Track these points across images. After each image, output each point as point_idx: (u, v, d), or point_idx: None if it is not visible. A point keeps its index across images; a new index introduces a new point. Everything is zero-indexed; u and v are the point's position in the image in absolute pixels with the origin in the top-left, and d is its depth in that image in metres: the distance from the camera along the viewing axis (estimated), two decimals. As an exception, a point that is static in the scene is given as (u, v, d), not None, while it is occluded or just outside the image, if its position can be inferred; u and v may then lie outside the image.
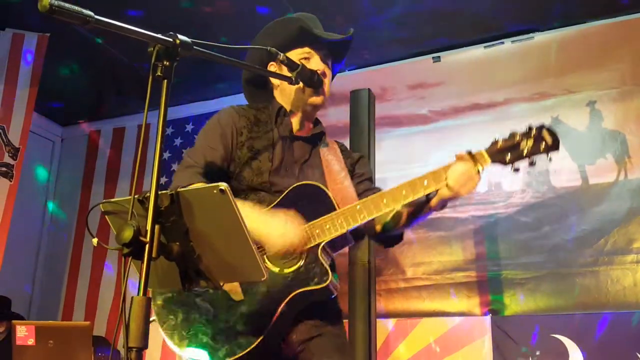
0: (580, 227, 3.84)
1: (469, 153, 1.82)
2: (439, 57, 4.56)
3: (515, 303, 3.91)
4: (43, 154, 5.94)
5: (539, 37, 4.28)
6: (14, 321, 3.36)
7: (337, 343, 1.90)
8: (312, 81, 1.95)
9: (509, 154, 1.81)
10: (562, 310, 3.75)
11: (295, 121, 2.05)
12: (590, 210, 3.84)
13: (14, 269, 5.05)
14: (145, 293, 1.24)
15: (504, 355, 3.73)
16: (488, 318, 3.86)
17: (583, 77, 4.08)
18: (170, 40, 1.39)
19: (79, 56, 4.88)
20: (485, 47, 4.43)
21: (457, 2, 4.09)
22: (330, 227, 1.80)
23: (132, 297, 1.22)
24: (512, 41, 4.35)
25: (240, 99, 6.26)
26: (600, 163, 3.91)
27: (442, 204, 1.86)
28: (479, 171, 1.80)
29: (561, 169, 4.00)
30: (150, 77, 1.35)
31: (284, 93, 2.04)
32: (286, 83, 1.94)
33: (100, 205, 1.44)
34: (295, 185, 1.89)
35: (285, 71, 1.93)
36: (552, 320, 3.72)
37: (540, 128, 1.83)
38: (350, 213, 1.81)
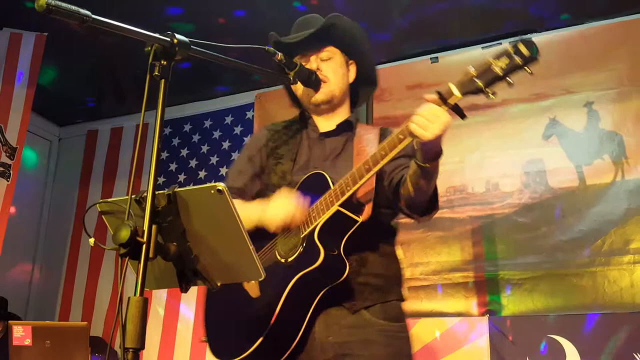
0: (577, 227, 3.85)
1: (438, 92, 1.68)
2: (436, 57, 4.56)
3: (513, 303, 3.92)
4: (41, 154, 5.93)
5: (537, 38, 4.24)
6: (10, 321, 3.35)
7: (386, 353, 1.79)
8: (310, 80, 1.96)
9: (481, 79, 1.65)
10: (559, 311, 3.75)
11: (318, 120, 2.07)
12: (588, 211, 3.85)
13: (11, 269, 5.04)
14: (142, 293, 1.24)
15: (501, 356, 3.74)
16: (485, 318, 3.86)
17: (581, 78, 4.08)
18: (168, 39, 1.39)
19: (76, 56, 4.87)
20: (482, 47, 4.42)
21: (454, 3, 4.10)
22: (323, 206, 1.78)
23: (128, 298, 1.22)
24: (510, 42, 4.33)
25: (238, 99, 6.27)
26: (598, 164, 3.92)
27: (426, 156, 1.69)
28: (450, 108, 1.67)
29: (558, 170, 4.01)
30: (148, 77, 1.35)
31: (298, 96, 2.08)
32: (298, 86, 1.99)
33: (97, 205, 1.44)
34: (303, 177, 1.89)
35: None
36: (549, 320, 3.73)
37: (514, 43, 1.64)
38: (339, 188, 1.77)
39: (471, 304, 4.01)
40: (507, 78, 1.64)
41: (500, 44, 4.37)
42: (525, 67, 1.62)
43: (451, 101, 1.66)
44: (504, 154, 4.19)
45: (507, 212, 4.08)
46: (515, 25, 4.30)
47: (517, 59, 1.61)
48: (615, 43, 4.03)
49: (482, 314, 3.93)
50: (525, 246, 3.96)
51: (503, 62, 1.63)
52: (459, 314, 4.01)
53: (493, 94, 1.66)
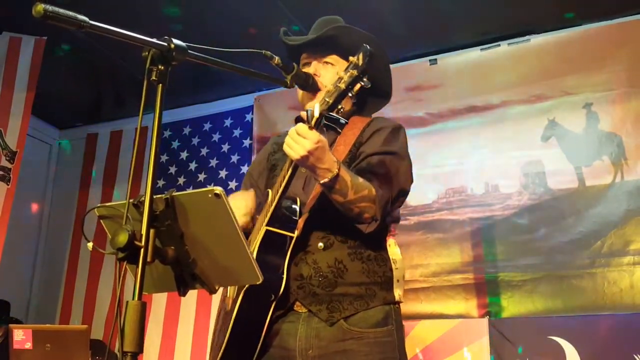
0: (577, 229, 3.85)
1: (307, 110, 1.68)
2: (435, 59, 4.57)
3: (513, 305, 3.92)
4: (40, 157, 5.94)
5: (536, 40, 4.29)
6: (11, 325, 3.35)
7: None
8: (307, 84, 1.96)
9: (332, 96, 1.64)
10: (559, 312, 3.75)
11: None
12: (587, 212, 3.85)
13: (12, 273, 5.04)
14: (140, 297, 1.24)
15: (501, 358, 3.74)
16: (485, 320, 3.86)
17: (580, 79, 4.09)
18: (165, 44, 1.39)
19: (76, 59, 4.88)
20: (481, 49, 4.44)
21: (453, 5, 4.10)
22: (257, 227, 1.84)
23: (127, 302, 1.23)
24: (509, 44, 4.36)
25: (237, 102, 6.26)
26: (597, 165, 3.92)
27: (315, 176, 1.71)
28: (311, 127, 1.64)
29: (558, 171, 4.01)
30: (145, 82, 1.35)
31: (298, 99, 2.09)
32: (298, 89, 2.00)
33: (95, 209, 1.44)
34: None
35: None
36: (549, 322, 3.73)
37: (357, 53, 1.65)
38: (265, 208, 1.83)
39: (471, 305, 4.01)
40: (351, 92, 1.65)
41: (499, 45, 4.38)
42: (362, 78, 1.63)
43: (313, 121, 1.64)
44: (503, 155, 4.19)
45: (506, 214, 4.08)
46: (514, 27, 4.31)
47: (353, 71, 1.63)
48: (615, 44, 4.04)
49: (482, 316, 3.93)
50: (525, 248, 3.96)
51: (346, 76, 1.64)
52: (459, 316, 4.00)
53: (341, 109, 1.67)
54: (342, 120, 1.68)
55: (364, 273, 1.85)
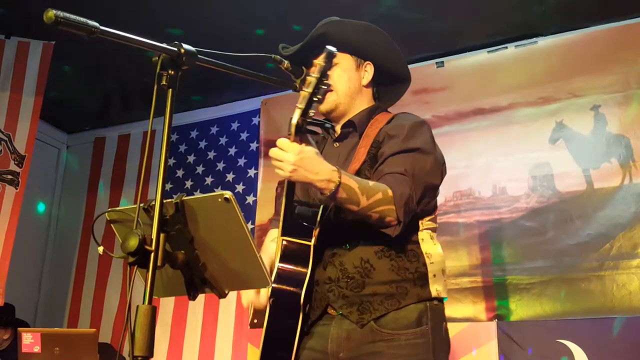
0: (585, 231, 3.83)
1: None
2: (442, 62, 4.57)
3: (521, 308, 3.90)
4: (48, 161, 5.97)
5: (543, 42, 4.29)
6: (19, 328, 3.37)
7: None
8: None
9: (301, 102, 1.61)
10: (567, 315, 3.73)
11: (335, 126, 2.07)
12: (595, 215, 3.83)
13: (20, 276, 5.06)
14: (150, 302, 1.24)
15: (510, 361, 3.73)
16: (494, 323, 3.85)
17: (587, 82, 4.07)
18: (175, 49, 1.40)
19: (84, 64, 4.90)
20: (488, 52, 4.43)
21: (459, 7, 4.10)
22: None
23: (137, 306, 1.23)
24: (516, 46, 4.35)
25: (244, 106, 6.25)
26: (605, 167, 3.90)
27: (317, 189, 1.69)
28: (294, 139, 1.62)
29: (566, 174, 4.00)
30: (155, 87, 1.36)
31: None
32: None
33: (106, 214, 1.45)
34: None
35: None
36: (558, 325, 3.71)
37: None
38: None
39: (479, 309, 4.00)
40: (317, 95, 1.60)
41: (506, 47, 4.37)
42: (322, 79, 1.59)
43: (290, 131, 1.61)
44: (510, 158, 4.18)
45: (514, 217, 4.07)
46: (521, 29, 4.30)
47: (315, 74, 1.59)
48: (622, 46, 4.02)
49: (491, 319, 3.92)
50: (533, 251, 3.95)
51: (312, 79, 1.60)
52: (467, 319, 3.99)
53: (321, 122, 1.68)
54: (328, 124, 1.67)
55: (394, 270, 1.80)
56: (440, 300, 1.86)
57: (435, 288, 1.84)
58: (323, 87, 1.60)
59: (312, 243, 1.78)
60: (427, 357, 1.75)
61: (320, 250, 1.82)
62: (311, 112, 1.62)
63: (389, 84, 2.15)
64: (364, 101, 2.08)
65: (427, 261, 1.86)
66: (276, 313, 1.76)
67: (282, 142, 1.61)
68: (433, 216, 1.99)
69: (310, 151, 1.63)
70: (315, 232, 1.79)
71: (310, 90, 1.59)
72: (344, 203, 1.68)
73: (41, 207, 5.91)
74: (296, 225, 1.80)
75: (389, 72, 2.11)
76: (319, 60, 1.59)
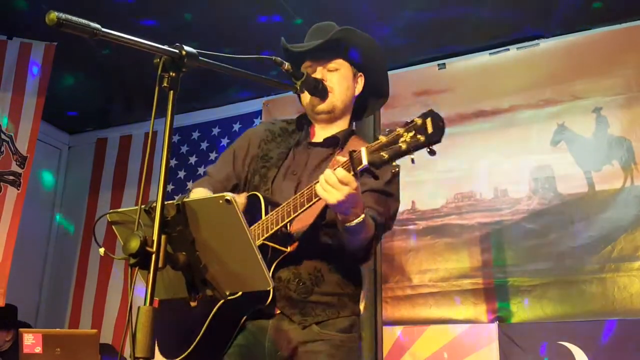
0: (586, 233, 3.83)
1: (350, 155, 1.61)
2: (444, 64, 4.57)
3: (522, 310, 3.90)
4: (50, 162, 5.97)
5: (545, 44, 4.29)
6: (21, 329, 3.37)
7: None
8: (317, 90, 1.97)
9: (388, 151, 1.55)
10: (569, 318, 3.73)
11: (315, 129, 2.10)
12: (597, 217, 3.83)
13: (22, 277, 5.07)
14: (152, 303, 1.24)
15: (511, 363, 3.72)
16: (495, 325, 3.85)
17: (589, 84, 4.07)
18: (176, 51, 1.40)
19: (86, 65, 4.91)
20: (490, 53, 4.43)
21: (462, 9, 4.10)
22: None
23: (138, 307, 1.23)
24: (518, 48, 4.35)
25: (245, 107, 6.27)
26: (607, 169, 3.90)
27: (340, 217, 1.71)
28: (355, 174, 1.60)
29: (567, 176, 4.00)
30: (157, 89, 1.36)
31: (303, 103, 2.09)
32: (304, 95, 2.00)
33: (107, 215, 1.45)
34: (250, 193, 1.96)
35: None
36: (559, 327, 3.71)
37: (424, 116, 1.55)
38: (265, 223, 1.83)
39: (480, 311, 4.00)
40: (411, 155, 1.55)
41: (508, 49, 4.37)
42: (428, 147, 1.53)
43: (358, 168, 1.60)
44: (512, 160, 4.18)
45: (515, 219, 4.07)
46: (522, 31, 4.30)
47: (420, 137, 1.53)
48: (623, 49, 4.03)
49: (492, 321, 3.92)
50: (534, 253, 3.95)
51: (408, 136, 1.54)
52: (468, 321, 3.99)
53: (396, 167, 1.62)
54: (376, 174, 1.65)
55: (339, 285, 1.93)
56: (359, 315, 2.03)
57: (361, 306, 2.04)
58: (427, 151, 1.55)
59: (287, 250, 1.86)
60: (355, 357, 1.95)
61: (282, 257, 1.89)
62: (394, 167, 1.61)
63: (370, 98, 2.18)
64: (348, 115, 2.13)
65: (361, 282, 2.05)
66: (227, 305, 1.81)
67: (346, 176, 1.60)
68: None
69: (358, 187, 1.66)
70: (295, 244, 1.87)
71: (404, 147, 1.53)
72: (354, 234, 1.75)
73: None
74: (280, 236, 1.84)
75: (374, 87, 2.14)
76: (426, 126, 1.54)
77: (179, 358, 1.86)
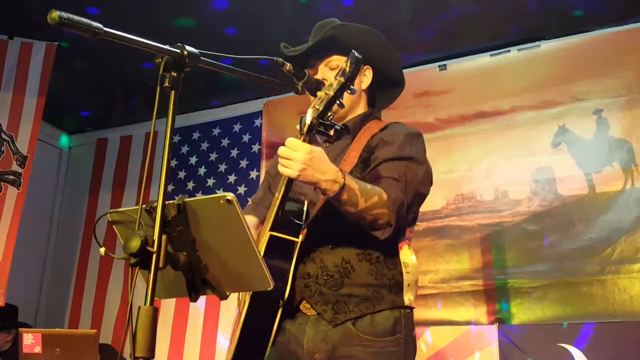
0: (587, 235, 3.83)
1: (301, 118, 1.66)
2: (445, 65, 4.57)
3: (523, 312, 3.90)
4: (50, 162, 5.97)
5: (546, 46, 4.29)
6: (20, 329, 3.37)
7: None
8: (319, 90, 1.96)
9: (321, 103, 1.63)
10: (569, 319, 3.73)
11: None
12: (597, 219, 3.83)
13: (22, 277, 5.07)
14: (152, 303, 1.24)
15: (511, 365, 3.72)
16: (495, 327, 3.85)
17: (589, 85, 4.07)
18: (178, 51, 1.40)
19: (86, 65, 4.91)
20: (491, 55, 4.43)
21: (462, 10, 4.10)
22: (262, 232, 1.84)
23: (139, 307, 1.23)
24: (519, 49, 4.35)
25: (246, 108, 6.27)
26: (607, 171, 3.90)
27: (321, 191, 1.68)
28: (305, 137, 1.63)
29: (568, 178, 4.00)
30: (158, 89, 1.36)
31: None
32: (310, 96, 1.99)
33: (108, 215, 1.45)
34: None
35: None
36: (559, 329, 3.71)
37: (346, 60, 1.62)
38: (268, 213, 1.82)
39: (481, 312, 4.00)
40: (339, 99, 1.63)
41: (509, 51, 4.38)
42: (348, 88, 1.62)
43: (305, 130, 1.62)
44: (513, 161, 4.18)
45: (516, 220, 4.07)
46: (523, 32, 4.30)
47: (341, 79, 1.61)
48: (624, 50, 4.03)
49: (492, 323, 3.92)
50: (534, 254, 3.95)
51: (335, 82, 1.62)
52: (468, 323, 3.99)
53: (331, 116, 1.65)
54: (337, 126, 1.66)
55: (372, 274, 1.82)
56: (411, 309, 1.89)
57: (408, 297, 1.87)
58: (348, 92, 1.62)
59: (299, 240, 1.79)
60: None
61: (303, 247, 1.81)
62: (329, 115, 1.64)
63: (383, 88, 2.16)
64: (360, 106, 2.09)
65: (404, 270, 1.89)
66: (255, 308, 1.75)
67: (292, 141, 1.61)
68: (412, 227, 2.00)
69: (319, 151, 1.63)
70: (304, 231, 1.80)
71: (331, 93, 1.61)
72: (344, 204, 1.68)
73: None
74: (286, 221, 1.79)
75: (386, 77, 2.11)
76: (346, 65, 1.61)
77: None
